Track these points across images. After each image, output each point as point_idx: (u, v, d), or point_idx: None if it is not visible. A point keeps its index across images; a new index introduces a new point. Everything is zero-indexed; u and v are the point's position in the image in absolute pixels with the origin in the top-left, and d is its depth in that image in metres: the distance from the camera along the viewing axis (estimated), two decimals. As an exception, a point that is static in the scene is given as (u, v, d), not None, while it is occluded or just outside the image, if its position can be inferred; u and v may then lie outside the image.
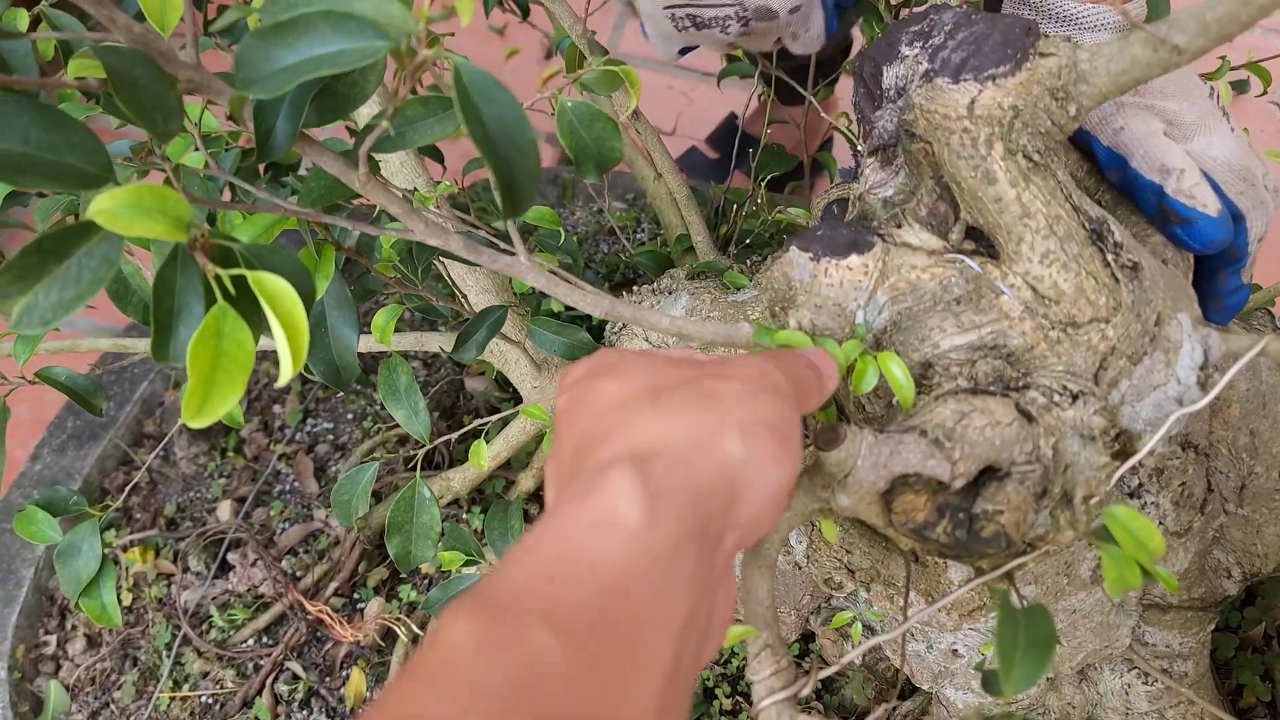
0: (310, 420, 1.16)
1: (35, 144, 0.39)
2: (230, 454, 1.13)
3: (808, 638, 1.01)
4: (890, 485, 0.53)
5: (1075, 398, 0.56)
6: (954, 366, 0.57)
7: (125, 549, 1.08)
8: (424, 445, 0.64)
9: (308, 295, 0.43)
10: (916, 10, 0.64)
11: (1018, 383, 0.57)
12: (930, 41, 0.58)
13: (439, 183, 0.85)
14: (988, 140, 0.55)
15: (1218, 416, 0.75)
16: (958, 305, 0.57)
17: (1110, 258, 0.57)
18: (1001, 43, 0.55)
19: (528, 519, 1.03)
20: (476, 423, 0.65)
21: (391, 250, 0.68)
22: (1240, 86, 1.97)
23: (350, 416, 1.16)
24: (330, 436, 1.14)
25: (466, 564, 0.76)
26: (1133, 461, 0.58)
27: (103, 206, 0.38)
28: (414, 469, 0.67)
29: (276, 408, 1.17)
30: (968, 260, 0.56)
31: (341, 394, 1.17)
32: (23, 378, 0.75)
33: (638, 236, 1.34)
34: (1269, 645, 0.95)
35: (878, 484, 0.52)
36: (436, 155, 0.85)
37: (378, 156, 0.81)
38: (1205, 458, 0.75)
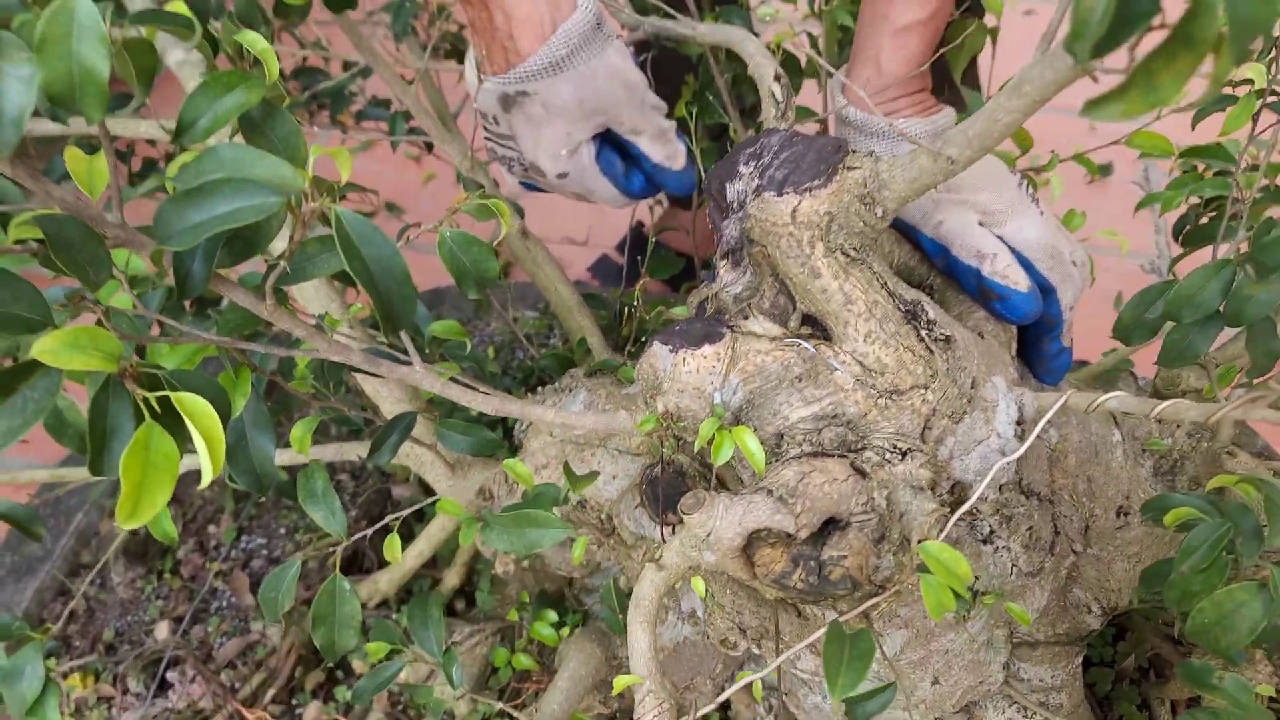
0: (245, 537, 1.21)
1: (-14, 299, 0.46)
2: (167, 575, 1.18)
3: (727, 706, 1.07)
4: (748, 541, 0.61)
5: (904, 454, 0.65)
6: (801, 436, 0.66)
7: (65, 675, 1.11)
8: (342, 542, 0.71)
9: (224, 410, 0.51)
10: (752, 135, 0.74)
11: (856, 445, 0.66)
12: (761, 161, 0.68)
13: (351, 305, 0.93)
14: (810, 241, 0.64)
15: (1057, 466, 0.84)
16: (800, 382, 0.66)
17: (924, 333, 0.66)
18: (816, 160, 0.65)
19: (452, 613, 1.09)
20: (389, 518, 0.72)
21: (306, 370, 0.75)
22: (1105, 170, 2.13)
23: (283, 531, 1.21)
24: (265, 551, 1.19)
25: (391, 654, 0.82)
26: (965, 508, 0.66)
27: (45, 347, 0.45)
28: (339, 566, 0.74)
29: (211, 528, 1.22)
30: (803, 343, 0.66)
31: (273, 510, 1.22)
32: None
33: (551, 342, 1.43)
34: (1145, 676, 1.03)
35: (735, 540, 0.60)
36: (349, 281, 0.93)
37: (291, 288, 0.89)
38: (1050, 504, 0.84)
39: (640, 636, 0.61)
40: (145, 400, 0.48)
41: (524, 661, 0.90)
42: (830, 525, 0.63)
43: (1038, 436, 0.81)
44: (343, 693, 1.04)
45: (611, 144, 0.85)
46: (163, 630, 1.13)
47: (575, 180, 0.82)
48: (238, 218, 0.45)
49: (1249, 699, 0.65)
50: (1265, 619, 0.62)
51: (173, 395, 0.48)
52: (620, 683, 0.59)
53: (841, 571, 0.61)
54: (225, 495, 1.25)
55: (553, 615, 0.91)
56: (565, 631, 0.91)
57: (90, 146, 0.59)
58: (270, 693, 1.03)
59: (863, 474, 0.63)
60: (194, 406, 0.48)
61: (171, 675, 1.10)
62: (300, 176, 0.46)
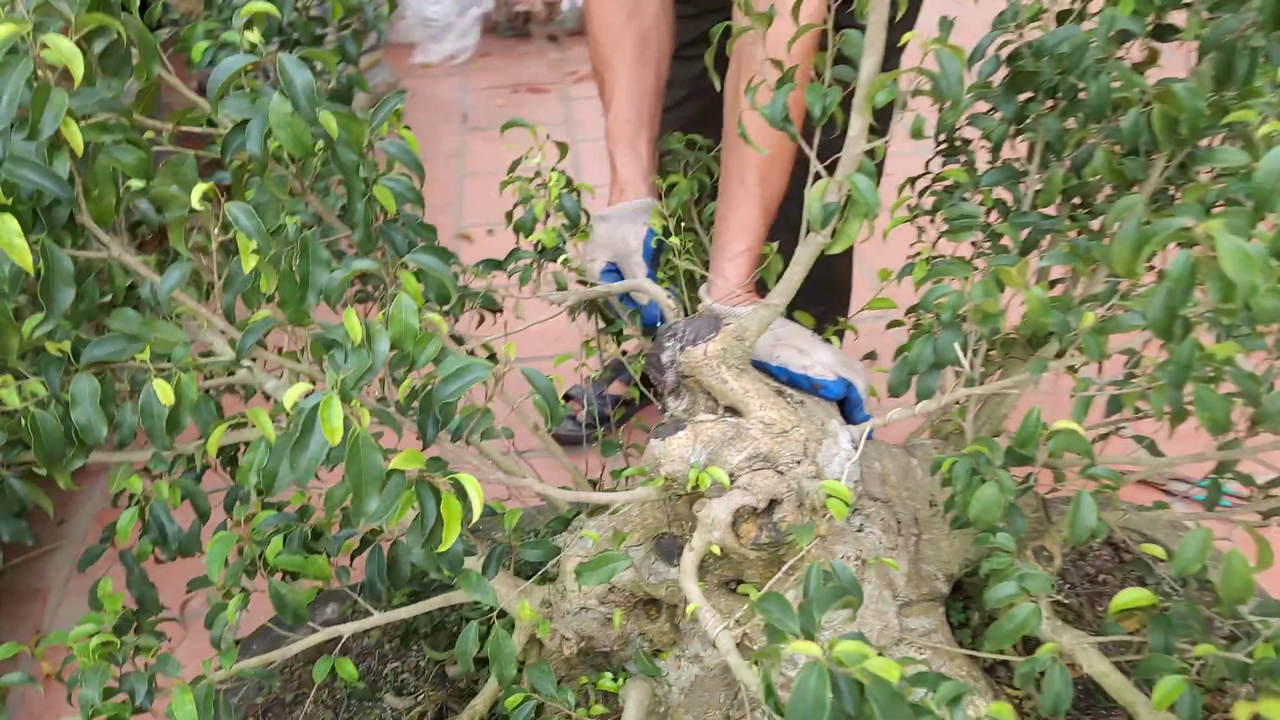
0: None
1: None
2: None
3: (733, 735, 1.50)
4: (734, 519, 1.12)
5: (799, 463, 1.18)
6: (745, 470, 1.18)
7: None
8: (496, 609, 1.16)
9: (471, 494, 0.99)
10: (663, 327, 1.31)
11: (775, 466, 1.19)
12: (677, 336, 1.25)
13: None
14: (717, 365, 1.20)
15: (887, 483, 1.39)
16: (733, 441, 1.19)
17: (788, 400, 1.22)
18: (708, 327, 1.22)
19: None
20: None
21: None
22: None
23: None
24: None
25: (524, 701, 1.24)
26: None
27: (398, 462, 0.94)
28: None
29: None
30: (730, 420, 1.20)
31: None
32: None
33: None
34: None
35: (726, 517, 1.11)
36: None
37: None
38: (889, 505, 1.38)
39: (690, 585, 1.09)
40: (439, 483, 0.97)
41: (598, 709, 1.34)
42: (772, 504, 1.14)
43: (867, 464, 1.36)
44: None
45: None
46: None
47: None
48: (468, 385, 0.97)
49: (1011, 544, 1.18)
50: (1000, 498, 1.16)
51: (458, 477, 0.97)
52: (689, 611, 1.07)
53: (785, 524, 1.12)
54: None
55: (609, 674, 1.36)
56: (620, 681, 1.36)
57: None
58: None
59: (781, 474, 1.16)
60: (469, 480, 0.97)
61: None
62: (490, 366, 0.99)
